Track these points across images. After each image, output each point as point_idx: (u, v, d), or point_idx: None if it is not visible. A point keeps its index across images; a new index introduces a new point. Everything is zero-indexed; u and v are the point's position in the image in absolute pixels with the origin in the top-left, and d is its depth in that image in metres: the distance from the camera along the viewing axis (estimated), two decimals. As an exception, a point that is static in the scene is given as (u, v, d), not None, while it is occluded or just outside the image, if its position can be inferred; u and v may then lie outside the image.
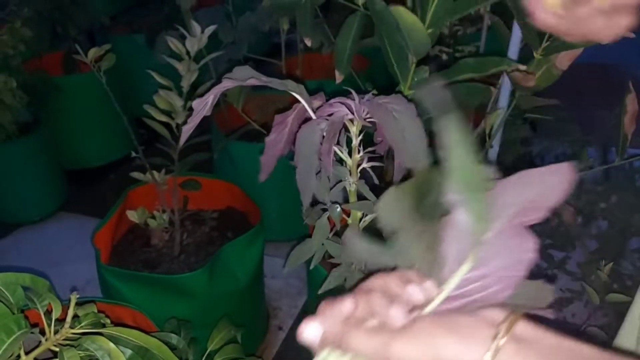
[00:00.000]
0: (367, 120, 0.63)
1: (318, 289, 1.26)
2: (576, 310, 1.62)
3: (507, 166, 1.52)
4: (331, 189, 0.67)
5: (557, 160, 1.69)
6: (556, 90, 1.15)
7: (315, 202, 0.69)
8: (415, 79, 0.92)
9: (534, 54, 0.95)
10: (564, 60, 0.99)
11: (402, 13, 0.79)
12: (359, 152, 0.64)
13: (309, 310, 1.47)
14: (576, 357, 0.33)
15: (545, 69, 1.02)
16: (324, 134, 0.60)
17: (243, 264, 1.29)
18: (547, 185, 0.39)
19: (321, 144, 0.60)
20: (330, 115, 0.62)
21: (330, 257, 0.78)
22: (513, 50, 1.06)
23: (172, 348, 0.92)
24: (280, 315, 1.61)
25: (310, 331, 0.39)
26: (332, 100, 0.64)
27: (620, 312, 1.41)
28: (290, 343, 1.53)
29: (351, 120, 0.62)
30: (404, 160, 0.61)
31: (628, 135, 1.16)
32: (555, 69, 1.01)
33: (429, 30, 0.85)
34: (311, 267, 0.67)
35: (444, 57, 1.72)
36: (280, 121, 0.67)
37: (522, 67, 0.91)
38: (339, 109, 0.62)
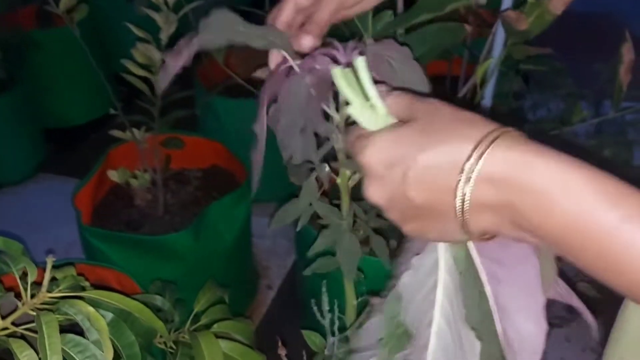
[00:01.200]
0: None
1: (306, 248, 1.24)
2: (566, 267, 1.63)
3: (500, 120, 1.49)
4: (319, 147, 0.63)
5: (550, 113, 1.67)
6: (548, 42, 1.11)
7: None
8: (379, 27, 0.86)
9: (527, -3, 0.90)
10: (558, 3, 0.95)
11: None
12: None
13: (298, 270, 1.45)
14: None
15: (538, 14, 0.97)
16: (310, 89, 0.56)
17: (230, 224, 1.27)
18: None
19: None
20: (313, 68, 0.57)
21: (319, 217, 0.75)
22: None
23: (157, 310, 0.90)
24: (269, 275, 1.59)
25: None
26: (315, 52, 0.59)
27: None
28: (280, 302, 1.52)
29: None
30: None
31: (623, 86, 1.13)
32: (548, 14, 0.97)
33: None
34: (298, 229, 0.63)
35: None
36: (270, 83, 0.62)
37: (483, 1, 0.86)
38: (323, 61, 0.58)
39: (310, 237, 0.79)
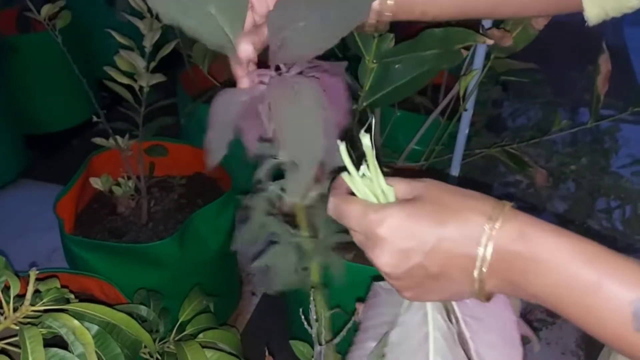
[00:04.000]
0: None
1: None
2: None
3: (479, 129, 1.51)
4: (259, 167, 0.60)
5: (529, 121, 1.70)
6: (525, 51, 1.13)
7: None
8: (380, 49, 0.88)
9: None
10: (540, 19, 0.97)
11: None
12: None
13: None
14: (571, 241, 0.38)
15: (522, 29, 0.99)
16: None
17: (214, 232, 1.26)
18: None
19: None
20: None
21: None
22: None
23: (142, 320, 0.89)
24: (253, 281, 1.59)
25: None
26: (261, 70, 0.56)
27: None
28: (264, 308, 1.52)
29: None
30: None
31: (601, 97, 1.15)
32: (531, 29, 0.99)
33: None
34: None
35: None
36: None
37: (490, 42, 0.89)
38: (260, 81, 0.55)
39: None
